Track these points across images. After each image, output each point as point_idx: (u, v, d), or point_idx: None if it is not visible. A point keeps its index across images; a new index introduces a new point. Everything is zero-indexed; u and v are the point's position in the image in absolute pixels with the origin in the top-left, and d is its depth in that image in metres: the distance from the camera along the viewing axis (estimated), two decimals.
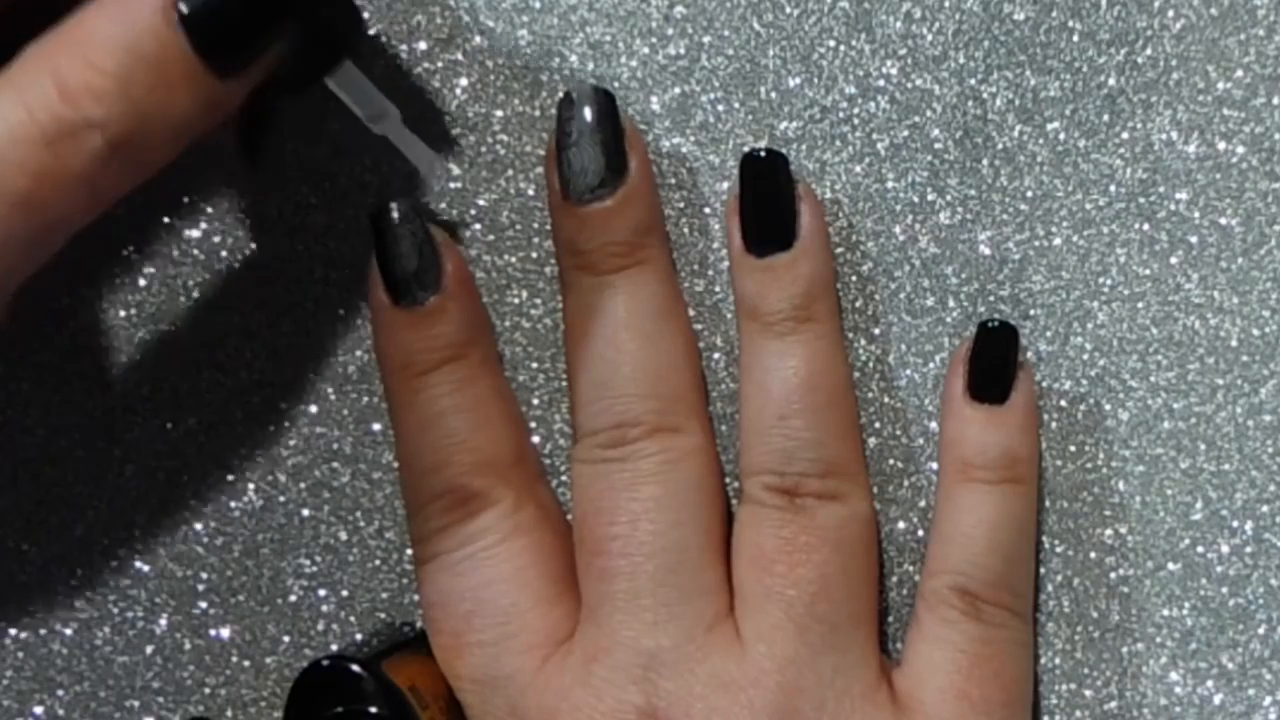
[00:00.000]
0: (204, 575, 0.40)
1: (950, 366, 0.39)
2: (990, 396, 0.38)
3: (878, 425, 0.40)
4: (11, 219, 0.31)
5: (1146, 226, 0.39)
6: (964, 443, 0.38)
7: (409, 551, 0.40)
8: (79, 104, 0.30)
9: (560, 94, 0.38)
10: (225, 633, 0.40)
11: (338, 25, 0.34)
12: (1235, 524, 0.39)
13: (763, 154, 0.38)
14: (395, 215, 0.38)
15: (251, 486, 0.40)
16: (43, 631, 0.40)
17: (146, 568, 0.40)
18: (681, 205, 0.40)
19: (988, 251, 0.39)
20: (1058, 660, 0.40)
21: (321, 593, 0.40)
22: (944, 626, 0.38)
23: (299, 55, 0.33)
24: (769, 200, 0.38)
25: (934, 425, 0.40)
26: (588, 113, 0.37)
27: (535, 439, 0.40)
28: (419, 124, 0.38)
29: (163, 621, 0.40)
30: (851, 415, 0.39)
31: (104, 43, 0.31)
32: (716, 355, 0.40)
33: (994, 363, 0.38)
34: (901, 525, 0.40)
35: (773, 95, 0.40)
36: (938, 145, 0.39)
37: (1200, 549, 0.39)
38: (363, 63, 0.36)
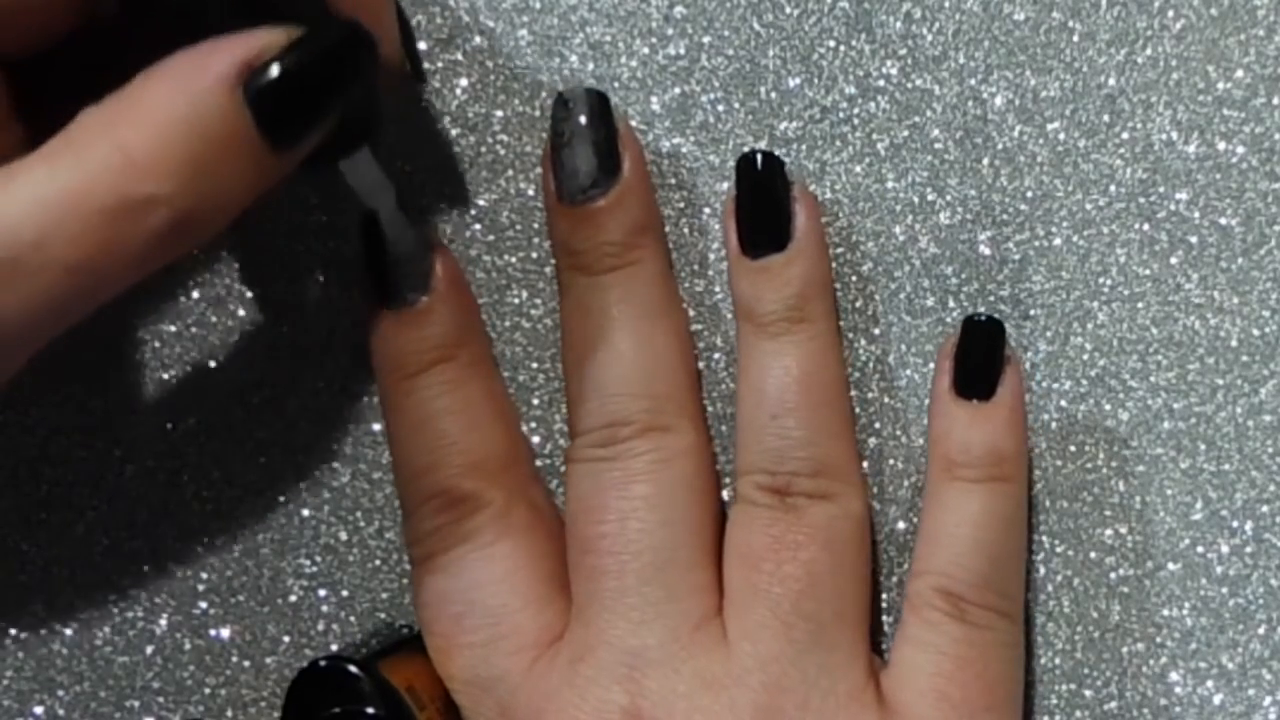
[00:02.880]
0: (204, 575, 0.40)
1: (937, 362, 0.39)
2: (975, 392, 0.38)
3: (877, 425, 0.40)
4: (57, 286, 0.30)
5: (1146, 226, 0.39)
6: (948, 440, 0.38)
7: None
8: (146, 179, 0.30)
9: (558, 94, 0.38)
10: (225, 633, 0.40)
11: (363, 111, 0.34)
12: (1235, 524, 0.39)
13: (758, 156, 0.38)
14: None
15: (251, 486, 0.40)
16: (43, 631, 0.40)
17: (146, 568, 0.40)
18: (681, 205, 0.40)
19: (988, 252, 0.39)
20: (1057, 660, 0.40)
21: (321, 593, 0.40)
22: (927, 629, 0.37)
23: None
24: (763, 202, 0.38)
25: None
26: (580, 114, 0.37)
27: (535, 439, 0.40)
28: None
29: (163, 621, 0.40)
30: (845, 415, 0.39)
31: (170, 116, 0.30)
32: (716, 355, 0.40)
33: (979, 358, 0.38)
34: (901, 525, 0.40)
35: (773, 95, 0.40)
36: (938, 145, 0.39)
37: (1200, 549, 0.39)
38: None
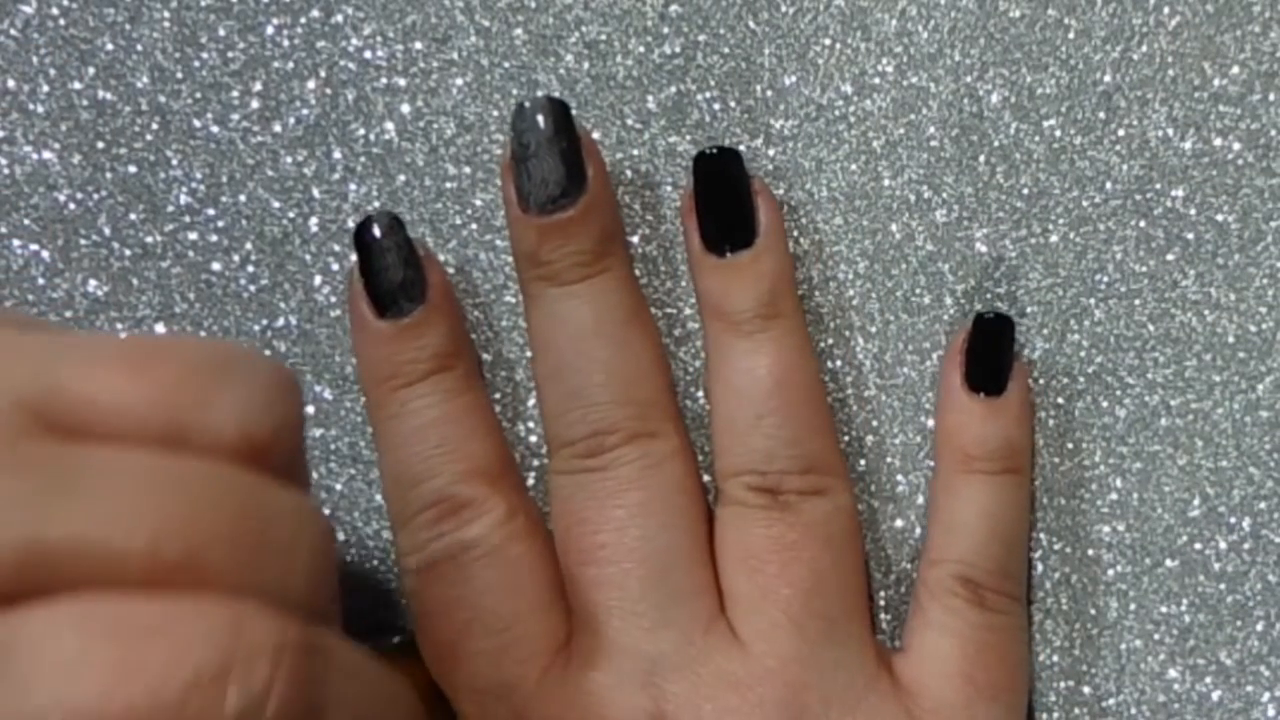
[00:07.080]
0: None
1: (947, 358, 0.39)
2: (989, 388, 0.38)
3: (875, 423, 0.40)
4: None
5: (1143, 223, 0.39)
6: (964, 434, 0.38)
7: None
8: None
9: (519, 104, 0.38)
10: None
11: None
12: (1233, 520, 0.39)
13: (715, 152, 0.38)
14: (378, 228, 0.37)
15: None
16: None
17: None
18: (677, 204, 0.40)
19: (984, 249, 0.39)
20: (1056, 658, 0.39)
21: None
22: (949, 615, 0.38)
23: None
24: (728, 198, 0.38)
25: (931, 423, 0.40)
26: (545, 123, 0.37)
27: (533, 439, 0.40)
28: None
29: None
30: (824, 408, 0.39)
31: None
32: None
33: (992, 354, 0.38)
34: (899, 523, 0.40)
35: (768, 93, 0.40)
36: (934, 143, 0.39)
37: (1198, 545, 0.39)
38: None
